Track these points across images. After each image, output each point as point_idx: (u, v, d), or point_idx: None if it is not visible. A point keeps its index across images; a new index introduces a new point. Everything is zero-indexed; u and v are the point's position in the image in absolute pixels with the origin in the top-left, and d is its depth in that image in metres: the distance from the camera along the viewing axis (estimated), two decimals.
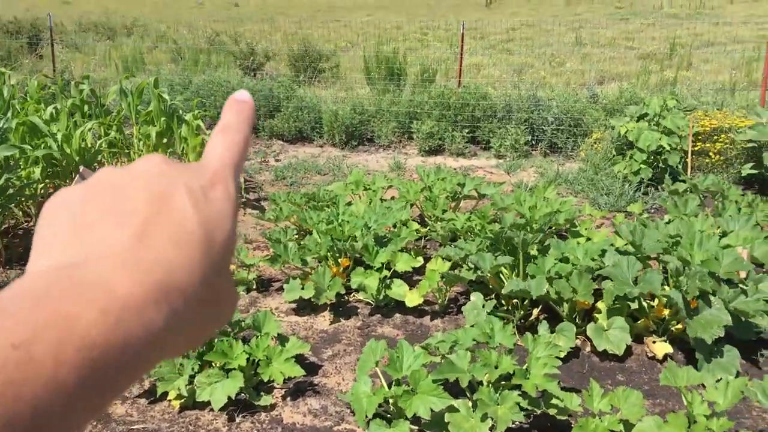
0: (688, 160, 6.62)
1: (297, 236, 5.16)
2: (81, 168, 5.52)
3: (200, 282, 0.39)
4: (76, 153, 5.64)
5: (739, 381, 2.91)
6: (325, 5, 28.46)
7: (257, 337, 3.58)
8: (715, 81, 12.01)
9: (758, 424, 3.37)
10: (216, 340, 3.48)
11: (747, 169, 6.60)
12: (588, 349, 4.02)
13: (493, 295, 4.44)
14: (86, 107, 6.52)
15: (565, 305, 4.11)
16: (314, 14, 24.95)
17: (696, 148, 7.20)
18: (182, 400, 3.45)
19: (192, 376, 3.47)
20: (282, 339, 3.69)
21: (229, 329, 3.65)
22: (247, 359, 3.48)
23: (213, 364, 3.49)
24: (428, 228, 5.41)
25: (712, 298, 3.64)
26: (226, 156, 0.46)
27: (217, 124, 0.47)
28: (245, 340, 3.76)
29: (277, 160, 8.12)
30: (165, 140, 6.37)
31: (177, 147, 6.35)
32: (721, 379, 3.39)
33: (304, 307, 4.49)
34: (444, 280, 4.37)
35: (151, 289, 0.36)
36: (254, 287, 4.76)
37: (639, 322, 4.04)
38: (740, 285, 3.87)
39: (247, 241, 5.61)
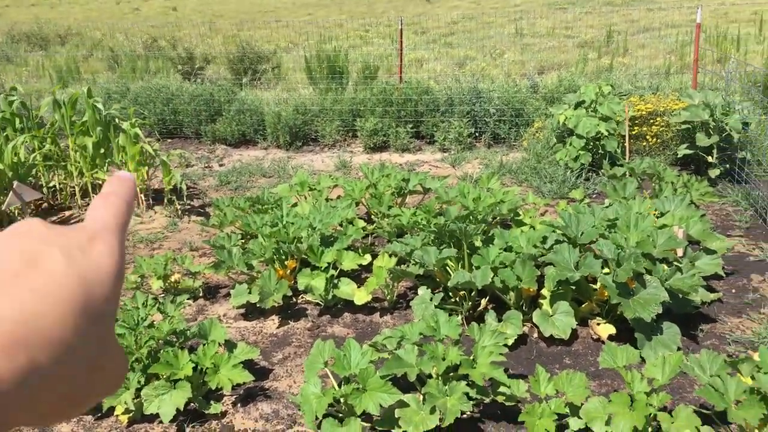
0: (626, 144, 6.77)
1: (242, 241, 5.11)
2: (14, 183, 5.37)
3: (74, 334, 0.38)
4: (9, 168, 5.47)
5: (677, 356, 2.99)
6: (266, 6, 28.21)
7: (204, 345, 3.54)
8: (651, 66, 12.31)
9: (700, 397, 3.48)
10: (161, 351, 3.43)
11: (683, 150, 6.79)
12: (535, 335, 4.09)
13: (440, 288, 4.47)
14: (17, 120, 6.33)
15: (511, 293, 4.17)
16: (254, 16, 24.71)
17: (633, 132, 7.38)
18: (130, 415, 3.39)
19: (139, 389, 3.41)
20: (230, 345, 3.65)
21: (175, 339, 3.60)
22: (194, 368, 3.43)
23: (159, 375, 3.44)
24: (375, 225, 5.42)
25: (648, 277, 3.73)
26: (108, 217, 0.46)
27: (99, 193, 0.48)
28: (192, 349, 3.72)
29: (221, 165, 8.02)
30: (102, 150, 6.22)
31: (115, 157, 6.21)
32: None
33: (253, 312, 4.45)
34: (391, 276, 4.39)
35: None
36: (201, 295, 4.70)
37: (583, 305, 4.12)
38: (676, 263, 3.98)
39: (192, 248, 5.53)
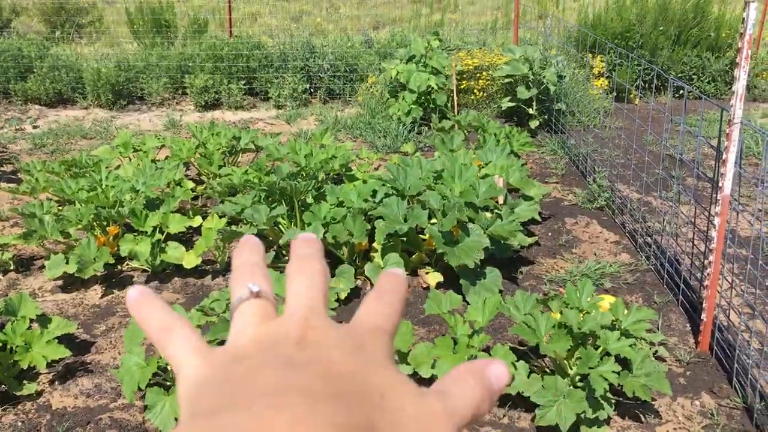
0: (455, 98, 6.98)
1: (60, 208, 4.74)
2: None
3: None
4: None
5: (494, 299, 3.15)
6: None
7: (12, 322, 3.25)
8: (479, 22, 12.76)
9: (518, 335, 3.70)
10: None
11: (506, 103, 7.11)
12: (368, 287, 4.15)
13: (274, 247, 4.41)
14: None
15: (344, 248, 4.19)
16: None
17: (462, 87, 7.63)
18: None
19: None
20: (43, 320, 3.38)
21: None
22: (2, 348, 3.15)
23: None
24: (205, 186, 5.23)
25: (471, 225, 3.89)
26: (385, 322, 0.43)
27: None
28: (1, 328, 3.40)
29: (35, 127, 7.36)
30: None
31: None
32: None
33: (73, 283, 4.15)
34: (222, 237, 4.26)
35: None
36: (12, 268, 4.31)
37: (413, 256, 4.24)
38: (496, 210, 4.18)
39: (1, 218, 5.05)
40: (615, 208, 5.08)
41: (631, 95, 7.73)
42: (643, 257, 4.42)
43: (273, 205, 4.24)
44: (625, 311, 3.13)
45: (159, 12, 9.72)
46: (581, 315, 3.10)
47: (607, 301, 3.35)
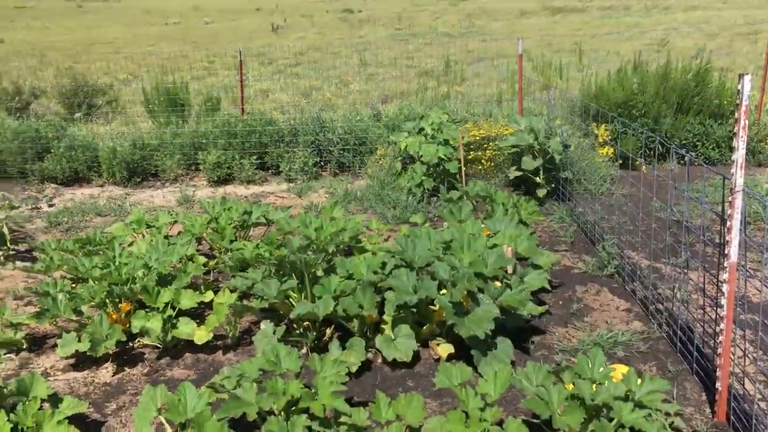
0: (462, 168, 7.09)
1: (74, 286, 4.79)
2: None
3: None
4: None
5: (506, 371, 3.13)
6: (103, 38, 27.01)
7: (24, 402, 3.25)
8: (485, 93, 13.05)
9: (530, 408, 3.65)
10: None
11: (513, 173, 7.21)
12: (380, 360, 4.13)
13: (285, 321, 4.42)
14: None
15: (355, 321, 4.20)
16: (89, 48, 23.56)
17: (470, 157, 7.75)
18: None
19: None
20: (55, 400, 3.38)
21: None
22: (14, 429, 3.15)
23: None
24: (216, 260, 5.28)
25: (481, 295, 3.90)
26: None
27: None
28: (13, 408, 3.40)
29: (50, 206, 7.51)
30: None
31: None
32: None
33: (84, 361, 4.17)
34: (233, 311, 4.28)
35: None
36: (25, 347, 4.33)
37: (424, 327, 4.23)
38: (506, 280, 4.19)
39: (16, 297, 5.11)
40: (625, 276, 5.08)
41: (636, 162, 7.82)
42: (656, 325, 4.39)
43: (284, 279, 4.28)
44: (639, 381, 3.10)
45: (174, 92, 10.03)
46: (594, 386, 3.07)
47: (620, 371, 3.32)
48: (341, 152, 8.57)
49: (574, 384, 3.08)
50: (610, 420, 2.95)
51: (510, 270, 4.58)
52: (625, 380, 3.07)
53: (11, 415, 3.19)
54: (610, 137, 7.96)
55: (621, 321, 4.51)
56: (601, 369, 3.18)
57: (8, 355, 4.24)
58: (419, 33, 26.24)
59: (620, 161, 7.70)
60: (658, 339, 4.25)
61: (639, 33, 23.85)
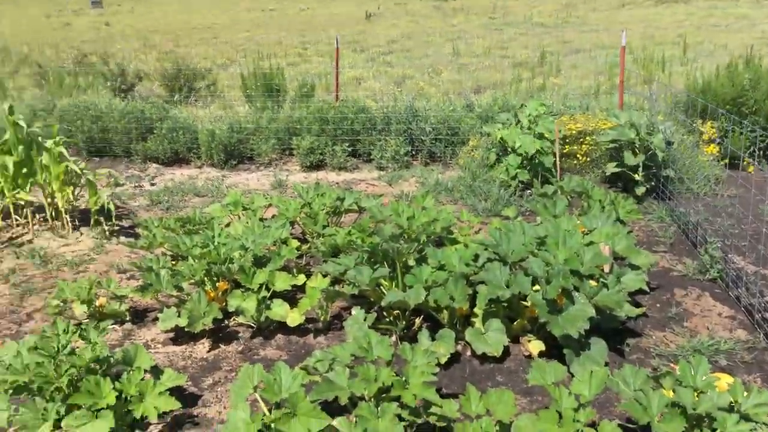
0: (557, 162, 6.92)
1: (173, 262, 4.98)
2: None
3: None
4: None
5: (602, 372, 3.05)
6: (203, 23, 27.89)
7: (128, 372, 3.42)
8: (581, 86, 12.68)
9: (626, 412, 3.54)
10: (83, 379, 3.29)
11: (611, 168, 6.98)
12: (468, 353, 4.10)
13: (375, 308, 4.46)
14: None
15: (445, 312, 4.18)
16: (190, 32, 24.39)
17: (565, 151, 7.56)
18: None
19: (58, 420, 3.26)
20: (156, 372, 3.54)
21: (97, 367, 3.46)
22: (118, 397, 3.31)
23: (81, 405, 3.29)
24: (309, 245, 5.37)
25: (576, 294, 3.80)
26: None
27: None
28: (117, 377, 3.58)
29: (152, 185, 7.84)
30: (25, 170, 5.99)
31: (39, 176, 5.99)
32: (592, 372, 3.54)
33: (182, 336, 4.33)
34: (325, 296, 4.35)
35: None
36: (128, 319, 4.55)
37: (515, 323, 4.17)
38: (602, 279, 4.06)
39: (120, 271, 5.37)
40: (729, 281, 4.84)
41: (745, 162, 7.42)
42: (762, 334, 4.17)
43: (375, 266, 4.30)
44: (745, 393, 2.95)
45: (270, 77, 10.24)
46: (696, 394, 2.94)
47: (724, 380, 3.17)
48: (433, 142, 8.54)
49: (674, 391, 2.96)
50: (713, 431, 2.82)
51: (606, 269, 4.44)
52: (731, 391, 2.92)
53: (116, 383, 3.36)
54: (717, 135, 7.58)
55: (723, 328, 4.30)
56: (704, 377, 3.04)
57: (113, 326, 4.46)
58: (513, 23, 25.75)
59: (727, 161, 7.32)
60: (763, 350, 4.03)
61: (749, 25, 22.56)
